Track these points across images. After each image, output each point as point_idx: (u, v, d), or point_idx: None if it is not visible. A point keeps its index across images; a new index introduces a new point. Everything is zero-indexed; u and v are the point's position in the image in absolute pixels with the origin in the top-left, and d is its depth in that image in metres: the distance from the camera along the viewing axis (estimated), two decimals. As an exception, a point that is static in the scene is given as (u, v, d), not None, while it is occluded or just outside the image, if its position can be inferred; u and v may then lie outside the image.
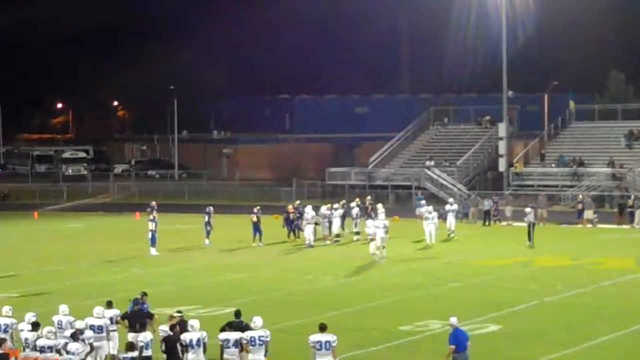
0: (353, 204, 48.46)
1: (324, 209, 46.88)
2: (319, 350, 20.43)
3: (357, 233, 47.25)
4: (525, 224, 46.23)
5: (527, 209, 46.27)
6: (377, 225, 41.08)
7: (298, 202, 50.02)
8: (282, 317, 28.43)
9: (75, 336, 21.13)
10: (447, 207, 49.31)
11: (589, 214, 53.55)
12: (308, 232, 45.27)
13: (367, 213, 48.42)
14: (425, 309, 29.91)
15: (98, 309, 22.87)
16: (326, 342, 20.47)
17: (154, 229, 43.50)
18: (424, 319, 28.18)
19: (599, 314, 29.49)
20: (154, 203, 47.63)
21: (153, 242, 43.44)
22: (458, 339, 21.23)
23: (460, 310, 29.64)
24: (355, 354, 24.53)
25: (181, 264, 40.48)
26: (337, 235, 46.86)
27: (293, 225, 47.61)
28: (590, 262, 39.96)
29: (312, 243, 45.01)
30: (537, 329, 27.35)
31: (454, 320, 21.47)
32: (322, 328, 20.73)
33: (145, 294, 24.43)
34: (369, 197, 52.47)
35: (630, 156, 65.82)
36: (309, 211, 45.86)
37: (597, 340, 25.98)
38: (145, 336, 21.32)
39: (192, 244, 46.50)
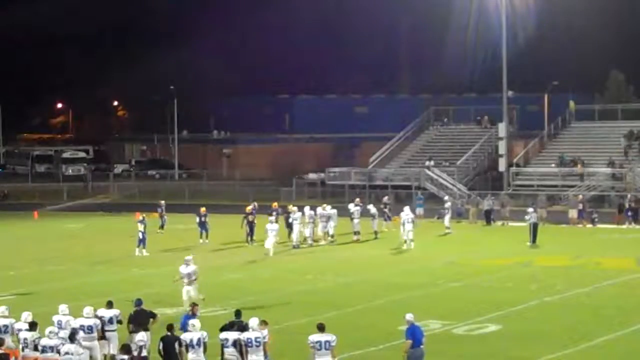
0: (351, 205, 48.36)
1: (319, 210, 46.80)
2: (318, 350, 20.44)
3: (357, 233, 47.22)
4: (525, 224, 46.39)
5: (530, 209, 46.38)
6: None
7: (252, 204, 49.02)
8: (282, 317, 28.43)
9: (73, 337, 21.08)
10: (445, 205, 51.15)
11: (572, 213, 53.71)
12: (303, 232, 45.23)
13: (385, 213, 50.14)
14: (425, 309, 29.88)
15: (88, 309, 22.88)
16: (326, 342, 20.48)
17: (142, 230, 43.60)
18: (424, 319, 28.08)
19: (599, 314, 29.49)
20: (162, 202, 49.97)
21: (140, 243, 43.51)
22: (415, 335, 21.49)
23: (461, 310, 29.74)
24: (355, 354, 24.53)
25: (181, 264, 40.35)
26: (332, 236, 46.84)
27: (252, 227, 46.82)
28: (590, 262, 39.98)
29: (299, 244, 44.98)
30: (537, 329, 27.34)
31: (410, 316, 21.79)
32: (321, 328, 20.75)
33: (195, 304, 23.56)
34: (386, 197, 53.06)
35: (631, 156, 65.74)
36: (306, 211, 45.86)
37: (597, 340, 25.98)
38: (143, 336, 21.33)
39: (192, 244, 46.47)
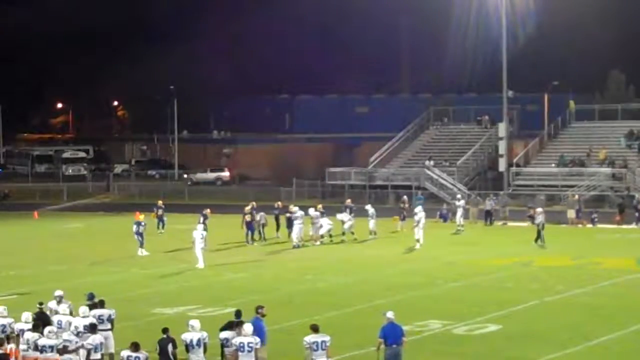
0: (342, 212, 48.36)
1: (311, 211, 46.73)
2: (315, 350, 20.49)
3: (345, 233, 47.15)
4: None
5: (538, 209, 46.41)
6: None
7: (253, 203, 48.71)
8: (282, 317, 28.41)
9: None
10: (456, 202, 52.16)
11: (570, 213, 53.72)
12: (296, 232, 45.19)
13: (402, 212, 50.61)
14: (425, 309, 29.91)
15: (83, 308, 22.91)
16: (322, 342, 20.56)
17: (141, 231, 43.59)
18: (424, 319, 28.17)
19: (599, 314, 29.48)
20: (160, 202, 50.47)
21: (140, 243, 43.60)
22: (392, 333, 21.42)
23: (461, 310, 29.72)
24: (356, 354, 24.53)
25: (181, 264, 40.44)
26: (330, 236, 46.76)
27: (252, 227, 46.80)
28: (590, 262, 39.97)
29: (299, 244, 44.94)
30: (537, 329, 27.33)
31: (389, 314, 21.74)
32: (315, 329, 20.82)
33: (262, 306, 22.69)
34: (405, 197, 53.19)
35: (631, 156, 65.74)
36: (297, 211, 45.80)
37: (597, 340, 25.97)
38: (94, 339, 21.41)
39: (192, 244, 46.42)
